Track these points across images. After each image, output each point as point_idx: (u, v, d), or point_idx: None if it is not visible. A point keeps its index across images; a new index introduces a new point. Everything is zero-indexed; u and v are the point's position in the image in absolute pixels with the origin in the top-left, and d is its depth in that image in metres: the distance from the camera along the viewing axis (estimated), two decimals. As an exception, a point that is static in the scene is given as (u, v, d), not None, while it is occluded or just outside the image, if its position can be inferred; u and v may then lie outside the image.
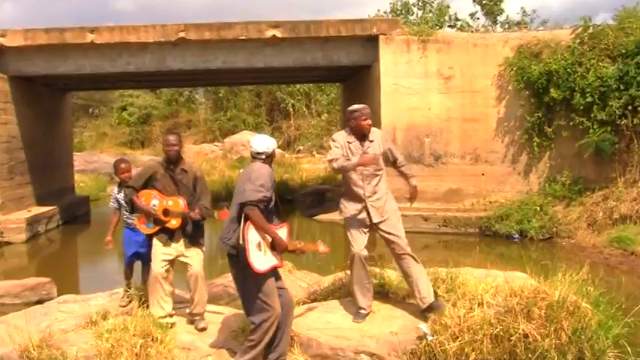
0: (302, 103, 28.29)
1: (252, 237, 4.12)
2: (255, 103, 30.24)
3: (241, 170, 4.53)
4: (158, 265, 5.10)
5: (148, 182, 5.16)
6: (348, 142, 5.02)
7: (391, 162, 5.28)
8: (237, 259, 4.18)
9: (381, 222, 5.02)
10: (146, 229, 5.21)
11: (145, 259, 6.08)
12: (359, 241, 5.01)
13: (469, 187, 12.23)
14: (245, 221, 4.11)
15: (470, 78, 12.19)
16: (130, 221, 5.82)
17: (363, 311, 5.04)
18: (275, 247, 4.25)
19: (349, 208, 5.09)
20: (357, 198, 5.05)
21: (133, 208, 5.30)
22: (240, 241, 4.10)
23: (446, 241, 11.27)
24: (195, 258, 5.16)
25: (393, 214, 5.09)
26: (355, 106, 5.10)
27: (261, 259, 4.15)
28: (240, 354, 4.35)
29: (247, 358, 4.27)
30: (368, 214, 5.02)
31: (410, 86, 12.24)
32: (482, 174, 12.25)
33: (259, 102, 30.12)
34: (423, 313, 4.90)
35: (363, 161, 4.88)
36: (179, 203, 5.08)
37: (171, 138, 5.16)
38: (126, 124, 33.09)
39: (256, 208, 4.09)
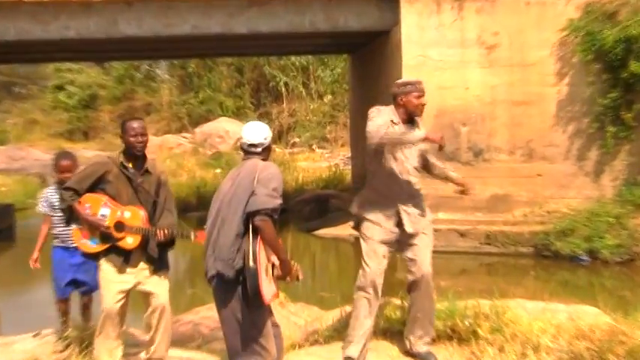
0: (298, 81, 28.32)
1: (262, 258, 4.13)
2: (235, 82, 30.27)
3: (233, 170, 4.49)
4: (111, 299, 5.02)
5: (96, 185, 5.11)
6: (393, 122, 4.96)
7: (424, 164, 5.30)
8: (237, 286, 4.17)
9: (414, 235, 5.01)
10: (89, 245, 5.12)
11: (86, 287, 6.07)
12: (376, 258, 4.98)
13: (520, 193, 12.21)
14: (255, 236, 4.11)
15: (521, 47, 12.18)
16: (63, 236, 5.79)
17: None
18: (280, 271, 4.26)
19: (373, 211, 5.05)
20: (388, 199, 5.02)
21: (71, 218, 5.23)
22: (251, 263, 4.07)
23: (489, 263, 11.26)
24: (159, 286, 5.13)
25: (427, 227, 5.11)
26: (407, 79, 5.17)
27: (267, 286, 4.17)
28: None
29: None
30: (400, 222, 5.01)
31: (441, 58, 12.22)
32: (538, 175, 12.23)
33: (241, 80, 30.15)
34: (412, 355, 5.05)
35: (433, 136, 4.82)
36: (139, 215, 5.01)
37: (137, 125, 5.11)
38: (63, 109, 33.16)
39: (270, 219, 4.12)
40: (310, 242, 13.73)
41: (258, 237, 4.11)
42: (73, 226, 5.25)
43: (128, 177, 5.08)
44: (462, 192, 5.31)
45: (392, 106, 5.05)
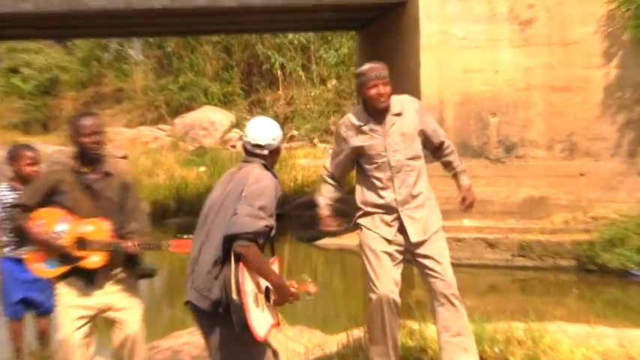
0: (297, 63, 28.30)
1: (248, 286, 4.09)
2: (223, 64, 30.24)
3: (229, 171, 4.47)
4: (70, 327, 5.01)
5: (49, 198, 5.07)
6: (360, 128, 5.20)
7: (431, 149, 5.41)
8: (221, 319, 4.15)
9: (419, 243, 5.07)
10: (46, 270, 5.06)
11: (42, 308, 6.06)
12: (385, 276, 5.03)
13: (560, 195, 12.21)
14: (237, 262, 4.07)
15: (561, 23, 12.19)
16: (12, 249, 5.80)
17: None
18: (275, 296, 4.26)
19: (372, 221, 5.15)
20: (383, 205, 5.12)
21: (23, 239, 5.20)
22: (234, 296, 4.01)
23: (524, 279, 11.26)
24: (130, 312, 5.12)
25: (437, 232, 5.17)
26: (361, 68, 5.32)
27: (260, 318, 4.12)
28: None
29: None
30: (403, 230, 5.06)
31: (466, 36, 12.23)
32: (582, 174, 12.23)
33: (229, 61, 30.13)
34: None
35: (321, 221, 5.47)
36: (103, 228, 5.00)
37: (89, 122, 5.08)
38: (18, 96, 33.12)
39: (254, 244, 4.08)
40: (311, 254, 13.75)
41: (240, 264, 4.06)
42: (27, 249, 5.21)
43: (85, 184, 5.05)
44: (463, 206, 5.39)
45: (360, 105, 5.35)
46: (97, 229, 4.99)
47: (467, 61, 12.24)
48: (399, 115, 5.19)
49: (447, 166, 5.45)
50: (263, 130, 4.40)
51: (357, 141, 5.20)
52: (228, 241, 4.07)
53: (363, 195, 5.27)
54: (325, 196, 5.48)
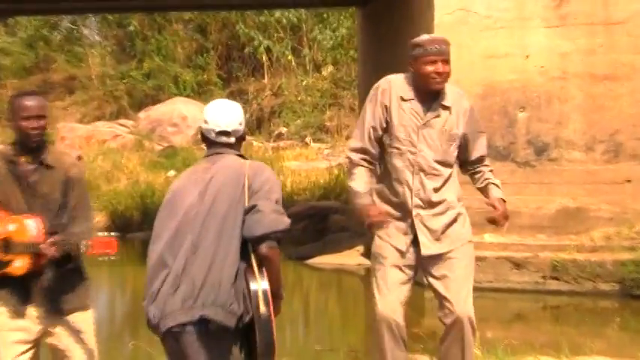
0: (285, 45, 28.38)
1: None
2: (197, 46, 30.34)
3: (193, 170, 4.50)
4: (8, 354, 5.03)
5: None
6: (402, 101, 5.20)
7: (464, 159, 5.43)
8: (235, 338, 4.22)
9: (433, 259, 5.13)
10: None
11: None
12: (389, 293, 5.11)
13: (601, 206, 12.26)
14: (260, 268, 4.16)
15: (603, -1, 12.27)
16: None
17: None
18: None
19: (385, 228, 5.21)
20: (397, 204, 5.19)
21: None
22: (262, 307, 4.10)
23: (556, 306, 11.33)
24: (75, 341, 5.13)
25: (462, 248, 5.21)
26: (419, 38, 5.29)
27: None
28: None
29: None
30: (414, 239, 5.14)
31: (489, 14, 12.28)
32: (628, 181, 12.28)
33: (205, 43, 30.21)
34: None
35: (370, 213, 5.13)
36: (26, 227, 4.95)
37: (32, 103, 5.07)
38: (-49, 84, 33.26)
39: (278, 245, 4.21)
40: (303, 275, 13.80)
41: (263, 269, 4.15)
42: None
43: (18, 175, 5.05)
44: (496, 221, 5.33)
45: (408, 74, 5.30)
46: (20, 228, 4.94)
47: (490, 45, 12.28)
48: (447, 108, 5.23)
49: (478, 175, 5.47)
50: (228, 114, 4.44)
51: (392, 110, 5.21)
52: (254, 242, 4.15)
53: (382, 188, 5.32)
54: (362, 181, 5.29)
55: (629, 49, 12.22)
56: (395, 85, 5.27)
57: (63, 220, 5.08)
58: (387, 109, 5.20)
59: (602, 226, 12.20)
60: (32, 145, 5.06)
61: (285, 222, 4.17)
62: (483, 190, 5.43)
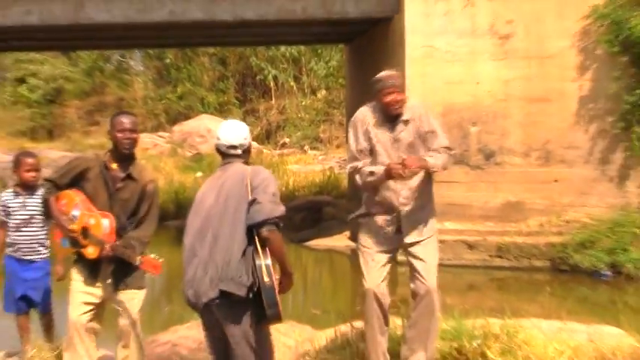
0: (288, 74, 28.31)
1: (273, 271, 4.26)
2: (218, 74, 30.25)
3: (212, 179, 4.51)
4: (76, 311, 5.07)
5: (77, 181, 5.11)
6: (374, 125, 5.22)
7: (427, 149, 5.28)
8: (250, 304, 4.24)
9: (413, 244, 5.17)
10: (61, 247, 5.23)
11: (41, 306, 6.07)
12: (375, 271, 5.15)
13: (536, 200, 12.24)
14: (263, 248, 4.22)
15: (538, 37, 12.21)
16: (16, 245, 5.80)
17: None
18: (283, 282, 4.39)
19: (371, 224, 5.24)
20: (386, 205, 5.19)
21: (47, 212, 5.26)
22: (266, 278, 4.17)
23: (501, 278, 11.31)
24: (129, 302, 5.15)
25: (432, 237, 5.26)
26: (379, 75, 5.28)
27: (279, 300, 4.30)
28: None
29: None
30: (399, 229, 5.16)
31: (449, 49, 12.26)
32: (556, 180, 12.26)
33: (225, 72, 30.13)
34: None
35: (393, 166, 4.93)
36: (101, 225, 4.99)
37: (127, 120, 5.12)
38: (25, 104, 33.02)
39: (277, 228, 4.25)
40: (302, 254, 13.74)
41: (266, 249, 4.21)
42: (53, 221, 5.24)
43: (105, 180, 5.07)
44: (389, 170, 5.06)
45: (374, 103, 5.29)
46: (96, 224, 5.00)
47: (449, 73, 12.25)
48: (407, 122, 5.21)
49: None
50: (234, 132, 4.51)
51: (370, 134, 5.22)
52: (255, 227, 4.20)
53: (366, 195, 5.33)
54: (370, 166, 5.17)
55: (558, 78, 12.18)
56: (367, 115, 5.29)
57: (131, 222, 5.12)
58: (366, 132, 5.22)
59: (536, 216, 12.19)
60: (124, 153, 5.09)
61: (280, 209, 4.23)
62: None
